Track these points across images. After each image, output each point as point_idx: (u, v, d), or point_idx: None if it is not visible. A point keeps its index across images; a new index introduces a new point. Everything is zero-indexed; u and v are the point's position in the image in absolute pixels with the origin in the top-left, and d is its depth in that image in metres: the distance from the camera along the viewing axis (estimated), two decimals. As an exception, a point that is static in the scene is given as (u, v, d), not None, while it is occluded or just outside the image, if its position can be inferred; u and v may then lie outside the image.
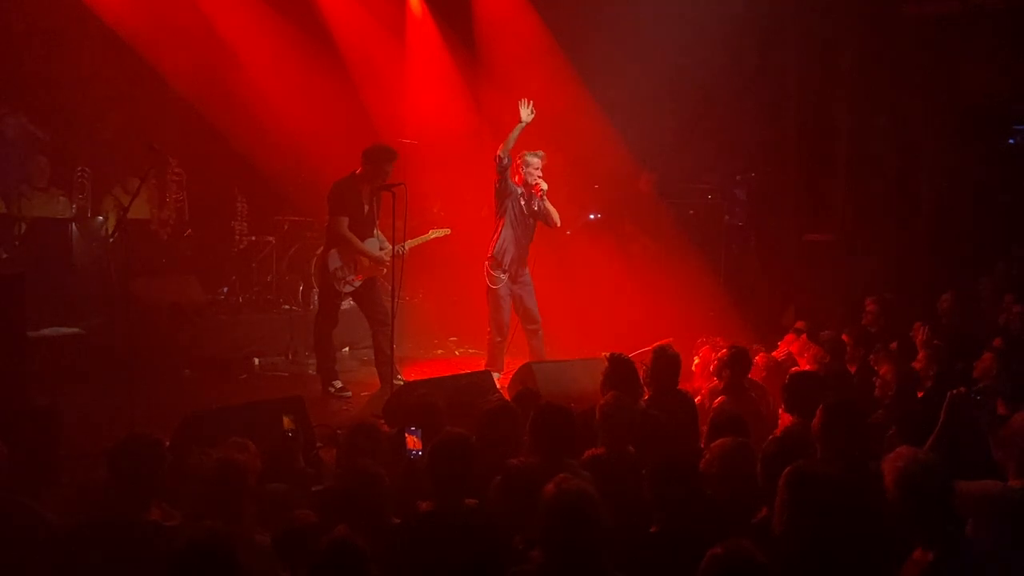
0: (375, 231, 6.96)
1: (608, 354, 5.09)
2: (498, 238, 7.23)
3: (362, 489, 3.30)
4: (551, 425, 3.83)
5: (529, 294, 7.33)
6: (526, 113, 7.01)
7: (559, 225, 7.38)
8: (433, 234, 7.30)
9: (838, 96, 9.79)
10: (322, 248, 7.39)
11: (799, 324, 7.37)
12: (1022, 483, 3.40)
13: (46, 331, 7.03)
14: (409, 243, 7.07)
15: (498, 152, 7.06)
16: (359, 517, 3.24)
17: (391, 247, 6.83)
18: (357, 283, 6.91)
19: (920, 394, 5.17)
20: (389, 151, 6.78)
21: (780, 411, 5.14)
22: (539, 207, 7.21)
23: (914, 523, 2.89)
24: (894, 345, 6.52)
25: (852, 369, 6.06)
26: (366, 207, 6.89)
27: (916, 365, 5.68)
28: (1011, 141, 10.51)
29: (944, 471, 2.95)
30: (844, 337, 6.31)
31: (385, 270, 6.95)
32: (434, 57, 10.02)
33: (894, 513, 2.94)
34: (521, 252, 7.27)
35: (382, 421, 5.10)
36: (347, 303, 7.22)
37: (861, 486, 3.49)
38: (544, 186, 7.13)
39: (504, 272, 7.23)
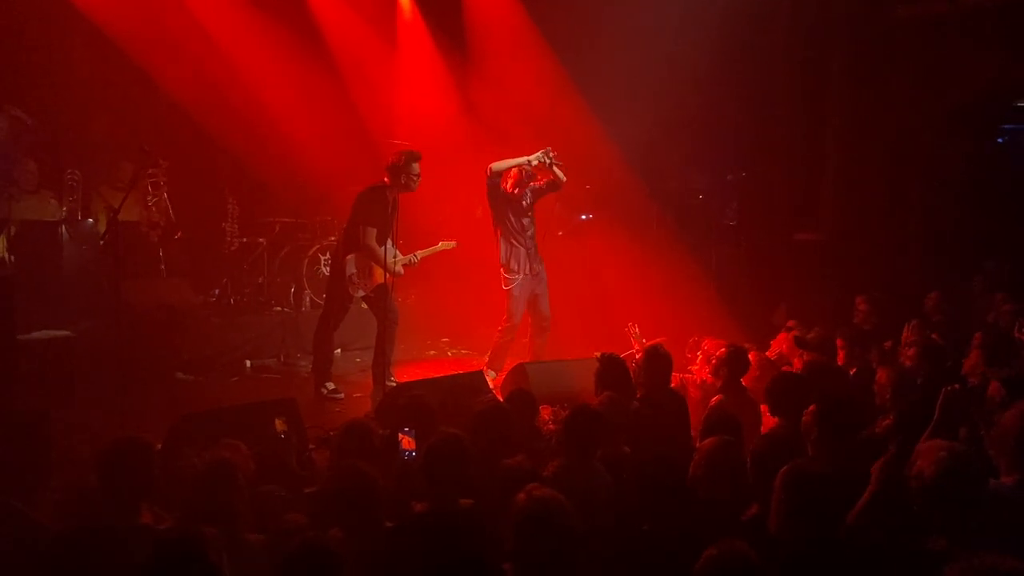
0: (390, 241, 6.96)
1: (600, 354, 5.10)
2: (501, 245, 7.27)
3: (355, 490, 3.30)
4: (584, 426, 3.87)
5: (543, 292, 7.38)
6: (540, 156, 7.01)
7: (565, 180, 7.23)
8: (442, 246, 7.31)
9: (828, 96, 9.82)
10: (331, 249, 7.38)
11: (790, 323, 7.38)
12: (1014, 480, 3.41)
13: (36, 334, 6.98)
14: (420, 253, 7.16)
15: (491, 165, 7.09)
16: (351, 519, 3.23)
17: (402, 256, 6.94)
18: (370, 288, 6.94)
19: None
20: (410, 153, 6.78)
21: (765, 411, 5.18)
22: (539, 193, 7.21)
23: (946, 513, 2.93)
24: (888, 344, 6.53)
25: (851, 370, 6.05)
26: (388, 217, 6.89)
27: (907, 363, 5.68)
28: (1000, 140, 10.57)
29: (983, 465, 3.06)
30: (839, 341, 6.32)
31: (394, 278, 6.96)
32: (425, 58, 10.02)
33: (924, 502, 2.97)
34: (529, 249, 7.30)
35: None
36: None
37: (856, 485, 3.50)
38: (548, 150, 7.07)
39: (518, 273, 7.25)
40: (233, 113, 8.86)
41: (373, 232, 6.77)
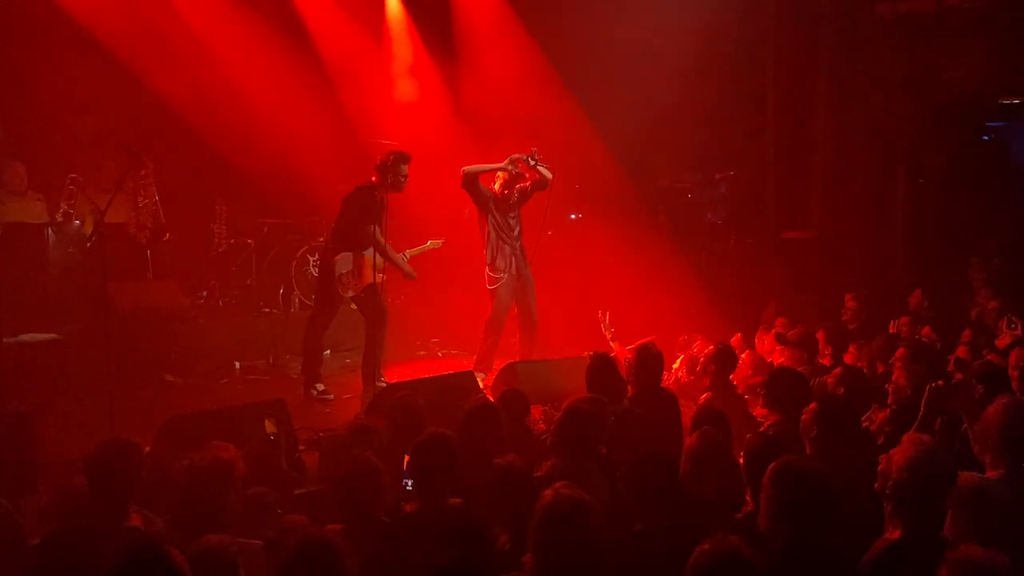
0: None
1: (591, 353, 5.10)
2: (486, 243, 7.29)
3: (362, 479, 3.30)
4: (578, 426, 3.87)
5: (530, 292, 7.40)
6: (508, 164, 7.07)
7: (551, 177, 7.25)
8: (430, 244, 7.34)
9: (815, 95, 9.86)
10: (320, 250, 7.38)
11: (779, 321, 7.42)
12: (999, 474, 3.44)
13: (23, 337, 6.95)
14: (409, 253, 7.17)
15: (464, 169, 7.11)
16: (352, 510, 3.25)
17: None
18: (359, 288, 6.91)
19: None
20: (399, 154, 6.79)
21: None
22: (524, 196, 7.22)
23: (911, 506, 2.95)
24: (880, 341, 6.54)
25: (827, 363, 6.08)
26: (377, 217, 6.89)
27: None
28: (985, 138, 10.64)
29: (952, 461, 3.09)
30: (819, 334, 6.36)
31: (383, 277, 6.93)
32: (413, 58, 10.00)
33: (892, 495, 3.00)
34: (515, 249, 7.32)
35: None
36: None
37: (848, 482, 3.52)
38: (535, 150, 7.11)
39: (503, 272, 7.26)
40: (220, 114, 8.81)
41: (376, 229, 6.74)
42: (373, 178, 6.79)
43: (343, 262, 6.82)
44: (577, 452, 3.83)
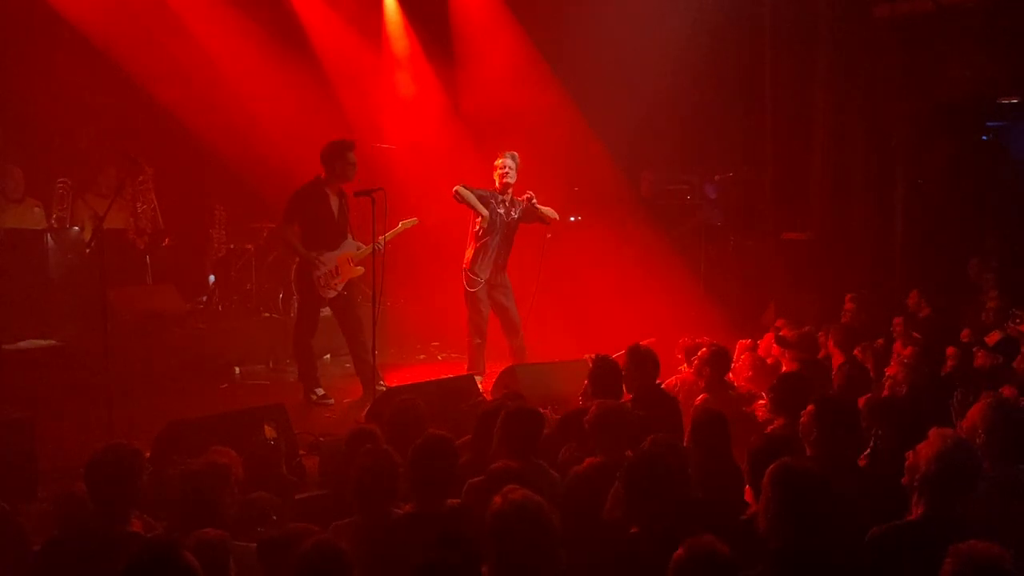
0: (348, 235, 6.93)
1: (593, 356, 5.10)
2: (475, 243, 7.24)
3: (382, 469, 3.33)
4: (521, 427, 3.90)
5: (508, 297, 7.35)
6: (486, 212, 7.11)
7: (557, 218, 7.35)
8: (402, 225, 7.09)
9: (813, 96, 9.87)
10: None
11: (779, 323, 7.41)
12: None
13: (22, 344, 6.95)
14: (384, 237, 7.02)
15: (457, 189, 7.12)
16: (369, 501, 3.29)
17: (364, 247, 6.82)
18: (340, 287, 6.87)
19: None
20: (342, 143, 6.74)
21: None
22: (530, 215, 7.24)
23: (937, 494, 3.02)
24: (880, 341, 6.56)
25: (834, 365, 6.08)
26: (335, 211, 6.83)
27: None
28: (984, 138, 10.63)
29: (978, 454, 3.21)
30: (821, 335, 6.36)
31: (362, 270, 6.89)
32: (412, 61, 10.02)
33: (920, 487, 3.06)
34: (499, 258, 7.28)
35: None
36: (325, 310, 7.13)
37: (847, 482, 3.52)
38: (532, 195, 7.16)
39: (480, 277, 7.23)
40: (219, 118, 8.82)
41: (293, 229, 6.71)
42: (322, 173, 6.77)
43: (318, 262, 6.79)
44: (523, 454, 3.84)
